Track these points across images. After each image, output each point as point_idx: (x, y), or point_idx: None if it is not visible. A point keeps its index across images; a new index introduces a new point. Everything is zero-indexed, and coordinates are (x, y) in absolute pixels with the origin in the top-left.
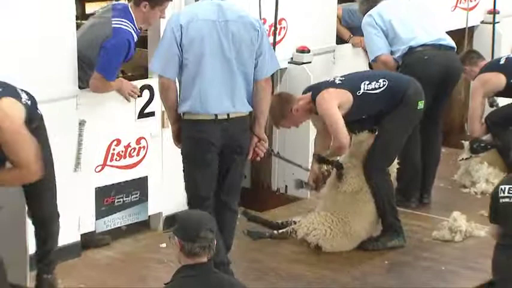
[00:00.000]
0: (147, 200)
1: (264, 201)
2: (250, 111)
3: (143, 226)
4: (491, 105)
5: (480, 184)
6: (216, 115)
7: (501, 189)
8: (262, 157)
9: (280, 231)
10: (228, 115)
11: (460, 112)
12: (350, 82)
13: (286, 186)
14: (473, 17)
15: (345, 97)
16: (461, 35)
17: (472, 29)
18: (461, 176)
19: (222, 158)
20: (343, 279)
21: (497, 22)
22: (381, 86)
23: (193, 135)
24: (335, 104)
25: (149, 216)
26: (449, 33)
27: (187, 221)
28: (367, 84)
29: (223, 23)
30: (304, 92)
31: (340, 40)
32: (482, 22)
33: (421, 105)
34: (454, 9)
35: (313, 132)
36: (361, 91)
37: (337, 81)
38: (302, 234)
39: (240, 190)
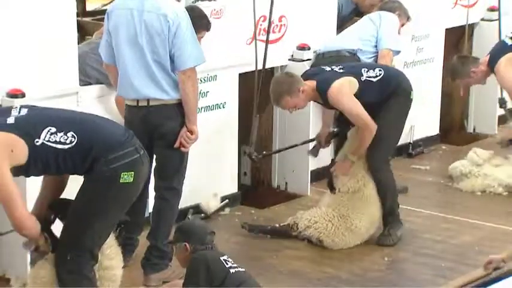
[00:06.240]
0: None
1: (264, 198)
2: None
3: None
4: (500, 106)
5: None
6: (137, 101)
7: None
8: (186, 147)
9: (282, 224)
10: (148, 101)
11: (460, 110)
12: (351, 69)
13: (286, 183)
14: (473, 14)
15: (353, 84)
16: (462, 32)
17: (472, 26)
18: (456, 178)
19: (150, 144)
20: (343, 275)
21: (497, 19)
22: (377, 74)
23: (126, 117)
24: (352, 95)
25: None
26: (450, 30)
27: (195, 228)
28: (367, 72)
29: (139, 12)
30: (304, 77)
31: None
32: (482, 19)
33: (412, 94)
34: (454, 6)
35: (313, 130)
36: (364, 77)
37: (339, 70)
38: (303, 226)
39: (172, 178)
